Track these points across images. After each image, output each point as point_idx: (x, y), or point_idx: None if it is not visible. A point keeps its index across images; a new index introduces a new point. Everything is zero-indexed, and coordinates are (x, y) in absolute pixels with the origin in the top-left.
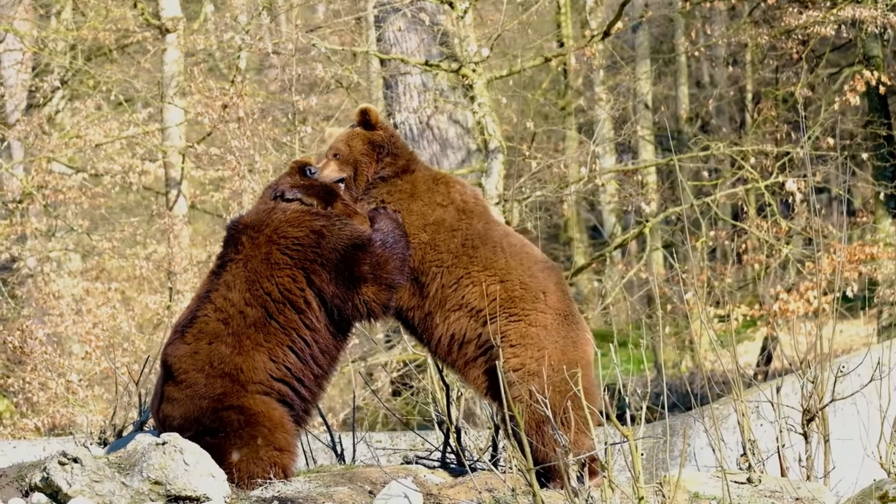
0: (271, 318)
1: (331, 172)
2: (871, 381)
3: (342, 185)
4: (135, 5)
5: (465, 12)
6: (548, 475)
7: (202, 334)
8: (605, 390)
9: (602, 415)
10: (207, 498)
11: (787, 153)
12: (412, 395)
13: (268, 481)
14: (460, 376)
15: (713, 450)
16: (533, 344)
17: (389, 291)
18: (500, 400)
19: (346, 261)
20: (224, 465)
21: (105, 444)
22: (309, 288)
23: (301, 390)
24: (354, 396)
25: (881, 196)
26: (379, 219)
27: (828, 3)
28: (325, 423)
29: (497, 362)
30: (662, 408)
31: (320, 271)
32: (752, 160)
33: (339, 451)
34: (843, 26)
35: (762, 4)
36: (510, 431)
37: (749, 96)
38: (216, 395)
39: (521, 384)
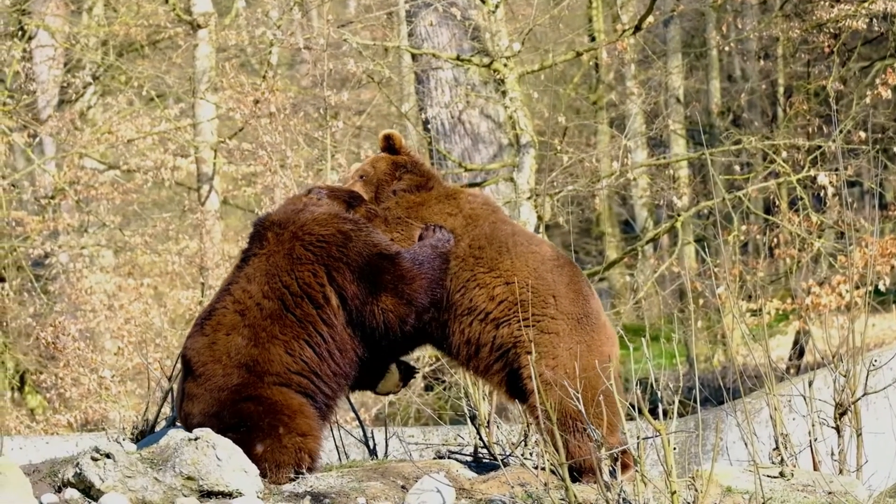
0: (288, 311)
1: (355, 186)
2: None
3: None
4: (166, 1)
5: (497, 7)
6: (573, 475)
7: (220, 325)
8: (637, 384)
9: (627, 413)
10: (240, 493)
11: (819, 147)
12: (444, 389)
13: (300, 475)
14: (484, 382)
15: (745, 444)
16: (547, 352)
17: (409, 308)
18: (525, 402)
19: (371, 267)
20: (250, 459)
21: (137, 440)
22: (329, 284)
23: (320, 385)
24: None
25: None
26: (426, 237)
27: None
28: (358, 418)
29: (529, 357)
30: (695, 402)
31: (344, 270)
32: (784, 154)
33: (371, 446)
34: (874, 20)
35: None
36: (542, 430)
37: (781, 90)
38: (233, 386)
39: (531, 397)
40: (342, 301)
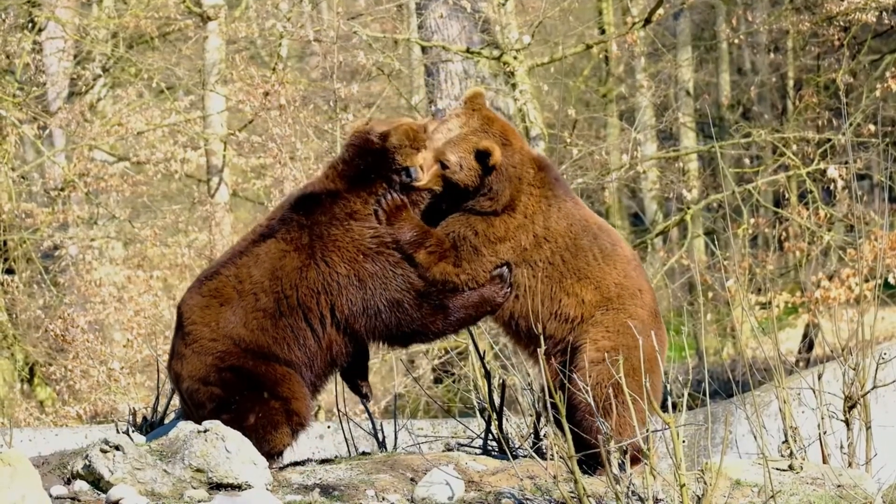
0: (282, 316)
1: (430, 182)
2: None
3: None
4: None
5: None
6: (591, 463)
7: (217, 293)
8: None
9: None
10: (249, 485)
11: (829, 140)
12: (453, 382)
13: (296, 435)
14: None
15: (755, 437)
16: (630, 333)
17: (423, 329)
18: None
19: (389, 311)
20: (246, 433)
21: (147, 432)
22: (331, 318)
23: (304, 371)
24: (396, 384)
25: None
26: (487, 283)
27: None
28: (367, 410)
29: (539, 350)
30: (704, 395)
31: (351, 312)
32: (794, 147)
33: (380, 439)
34: (884, 13)
35: None
36: (557, 418)
37: (790, 83)
38: (218, 352)
39: (600, 365)
40: (344, 327)
